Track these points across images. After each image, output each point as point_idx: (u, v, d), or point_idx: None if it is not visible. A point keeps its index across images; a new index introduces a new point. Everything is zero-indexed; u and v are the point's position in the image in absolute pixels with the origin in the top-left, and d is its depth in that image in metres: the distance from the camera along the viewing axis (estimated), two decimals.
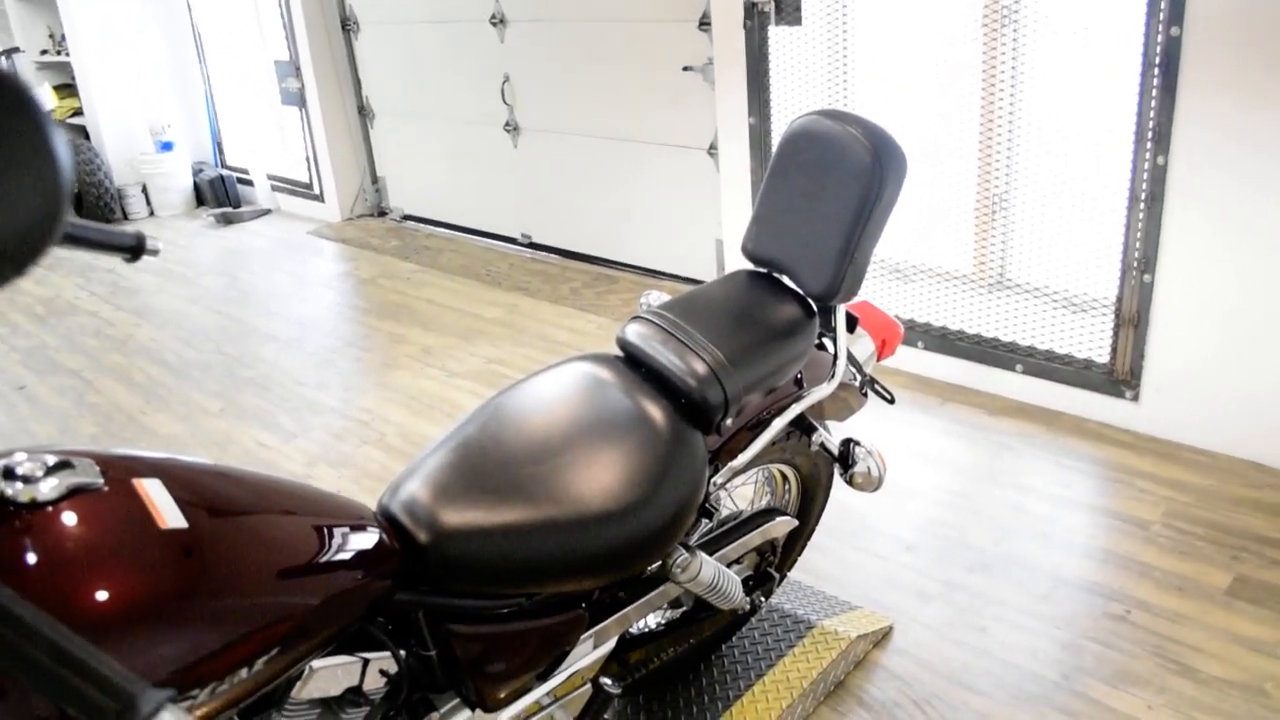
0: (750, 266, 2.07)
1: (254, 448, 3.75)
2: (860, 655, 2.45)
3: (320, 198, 7.06)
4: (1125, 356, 3.34)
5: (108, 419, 4.08)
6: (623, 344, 1.86)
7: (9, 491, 1.01)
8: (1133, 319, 3.28)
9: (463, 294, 5.32)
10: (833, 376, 2.01)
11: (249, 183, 7.58)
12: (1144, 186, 3.12)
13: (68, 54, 7.37)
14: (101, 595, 1.01)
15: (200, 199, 7.68)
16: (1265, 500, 2.95)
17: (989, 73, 3.53)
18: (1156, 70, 2.99)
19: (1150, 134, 3.06)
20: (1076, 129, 3.45)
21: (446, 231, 6.52)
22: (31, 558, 0.99)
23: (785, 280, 2.00)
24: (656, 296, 1.98)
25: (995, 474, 3.20)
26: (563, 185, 5.64)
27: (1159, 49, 2.96)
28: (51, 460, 1.05)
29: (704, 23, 4.49)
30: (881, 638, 2.51)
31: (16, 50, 7.46)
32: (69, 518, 1.03)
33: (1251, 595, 2.57)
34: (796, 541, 2.37)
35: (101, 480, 1.08)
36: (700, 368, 1.75)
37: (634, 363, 1.83)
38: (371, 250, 6.26)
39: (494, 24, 5.55)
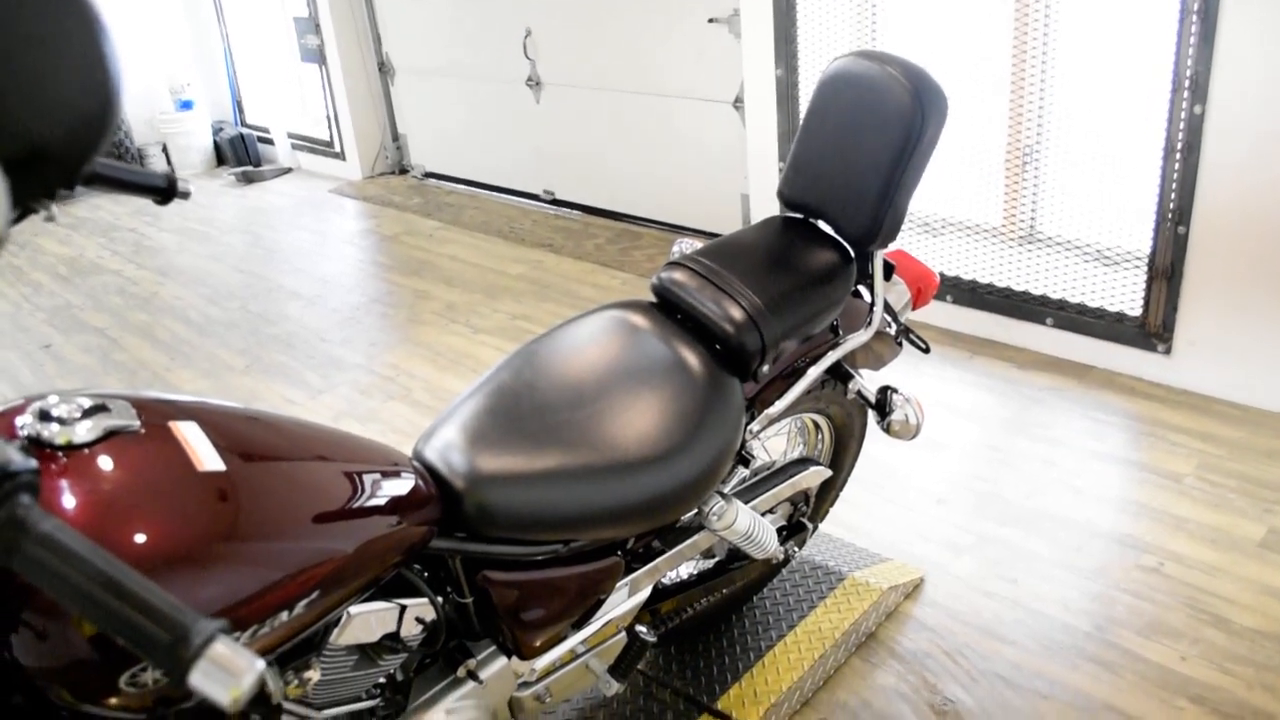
0: (786, 212, 2.03)
1: (280, 404, 3.75)
2: (892, 606, 2.44)
3: (341, 156, 7.03)
4: (1158, 309, 3.29)
5: (133, 376, 4.09)
6: (658, 290, 1.84)
7: (45, 434, 1.00)
8: (1166, 271, 3.23)
9: (486, 251, 5.30)
10: (869, 324, 1.98)
11: (269, 141, 7.55)
12: (1180, 136, 3.06)
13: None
14: (140, 537, 1.00)
15: (221, 158, 7.66)
16: None
17: (1021, 22, 3.46)
18: (1195, 18, 2.92)
19: (1188, 82, 2.99)
20: (1110, 79, 3.38)
21: (468, 188, 6.49)
22: (69, 500, 0.98)
23: (822, 226, 1.97)
24: (689, 243, 1.96)
25: (1026, 427, 3.17)
26: (586, 141, 5.59)
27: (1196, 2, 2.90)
28: (87, 403, 1.04)
29: None
30: (913, 589, 2.50)
31: None
32: (105, 460, 1.02)
33: None
34: (829, 492, 2.36)
35: (138, 423, 1.07)
36: (738, 313, 1.73)
37: (669, 308, 1.81)
38: (394, 208, 6.24)
39: None
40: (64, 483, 0.99)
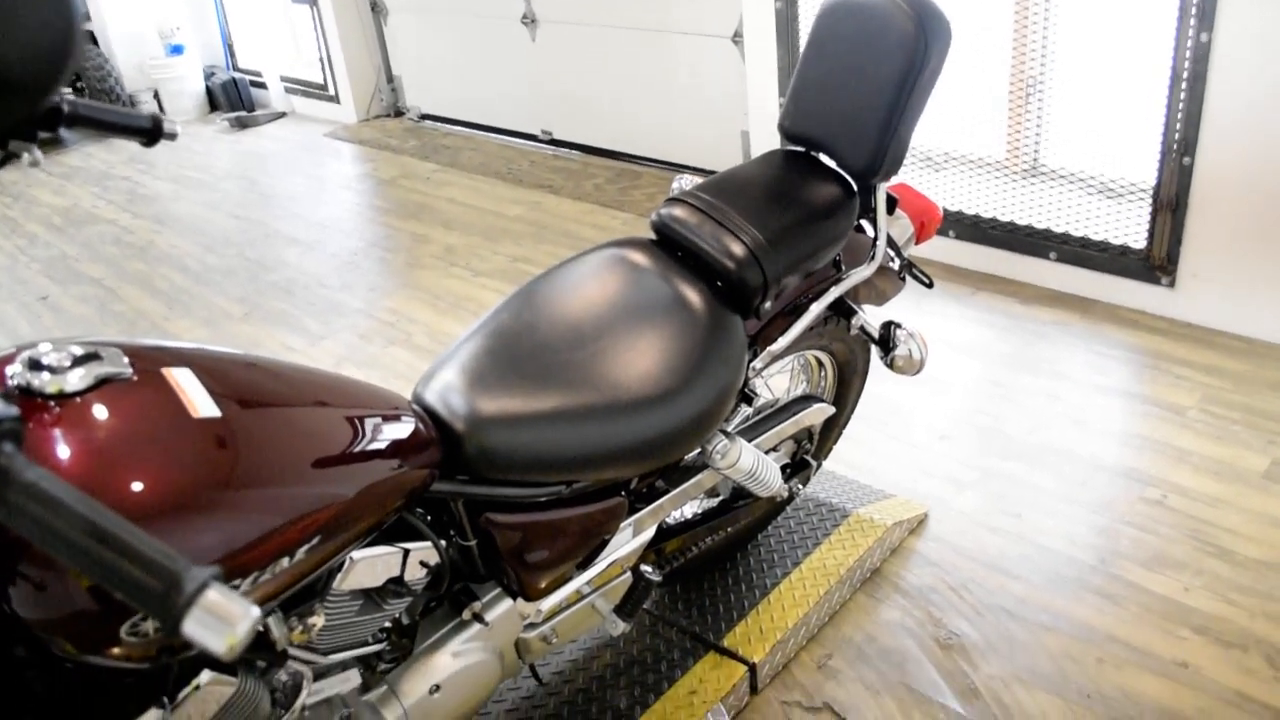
0: (787, 145, 2.00)
1: (280, 350, 3.74)
2: (896, 542, 2.44)
3: (335, 99, 6.94)
4: (1162, 242, 3.26)
5: (132, 326, 4.07)
6: (657, 227, 1.81)
7: (35, 382, 0.98)
8: (1171, 203, 3.19)
9: (484, 193, 5.25)
10: (872, 259, 1.96)
11: (262, 85, 7.45)
12: (1186, 65, 3.01)
13: None
14: (136, 485, 0.98)
15: (213, 104, 7.56)
16: None
17: None
18: None
19: (1194, 9, 2.93)
20: (1115, 6, 3.31)
21: (465, 130, 6.41)
22: (62, 450, 0.96)
23: (824, 159, 1.93)
24: (689, 180, 1.93)
25: (1029, 362, 3.16)
26: (583, 79, 5.51)
27: None
28: (78, 351, 1.02)
29: None
30: (917, 525, 2.50)
31: None
32: (99, 408, 1.00)
33: None
34: (833, 429, 2.35)
35: (130, 370, 1.05)
36: (738, 249, 1.71)
37: (670, 245, 1.79)
38: (390, 151, 6.17)
39: None
40: (55, 432, 0.97)
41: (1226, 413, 2.81)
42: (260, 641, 1.21)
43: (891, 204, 2.01)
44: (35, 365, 1.00)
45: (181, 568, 0.76)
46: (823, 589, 2.24)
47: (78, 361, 1.01)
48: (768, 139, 4.38)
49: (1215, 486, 2.54)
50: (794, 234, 1.76)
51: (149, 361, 1.09)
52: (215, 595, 0.75)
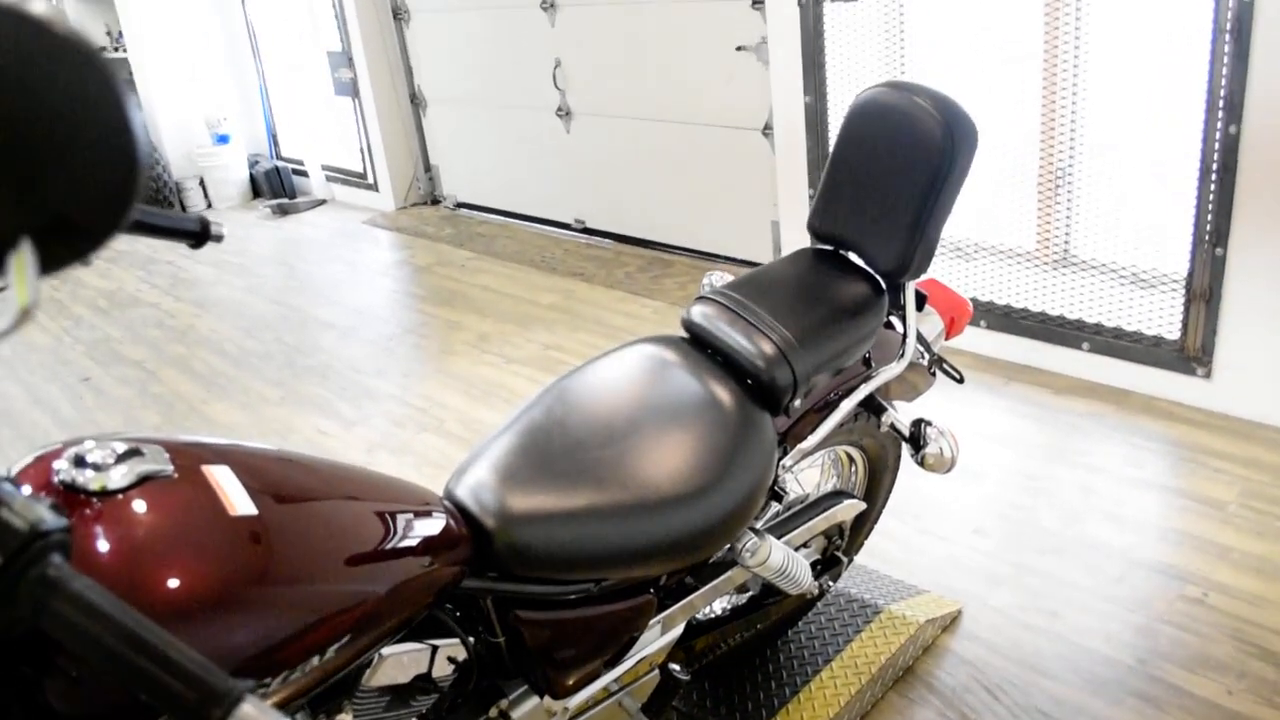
0: (816, 244, 2.03)
1: (315, 435, 3.77)
2: (929, 640, 2.40)
3: (374, 187, 7.10)
4: (1197, 333, 3.25)
5: (170, 408, 4.13)
6: (688, 325, 1.84)
7: (80, 479, 1.01)
8: (1204, 294, 3.18)
9: (518, 280, 5.32)
10: (902, 355, 1.97)
11: (304, 174, 7.64)
12: (1216, 157, 3.03)
13: (125, 50, 7.46)
14: (174, 583, 1.00)
15: (256, 190, 7.75)
16: None
17: (1051, 43, 3.44)
18: (1228, 36, 2.89)
19: (1222, 102, 2.96)
20: (1143, 99, 3.35)
21: (500, 218, 6.52)
22: (103, 546, 0.98)
23: (853, 257, 1.96)
24: (720, 277, 1.95)
25: (1064, 454, 3.13)
26: (616, 169, 5.61)
27: (1230, 13, 2.87)
28: (121, 448, 1.05)
29: (757, 1, 4.43)
30: (950, 622, 2.47)
31: None
32: (140, 505, 1.02)
33: None
34: (864, 524, 2.33)
35: (171, 468, 1.07)
36: (768, 348, 1.72)
37: (700, 344, 1.81)
38: (426, 238, 6.28)
39: (544, 9, 5.53)
40: (98, 529, 0.99)
41: (1268, 508, 2.77)
42: None
43: (921, 300, 2.02)
44: (80, 462, 1.02)
45: (218, 681, 0.77)
46: (854, 688, 2.21)
47: (120, 459, 1.04)
48: (798, 229, 4.42)
49: (1257, 585, 2.49)
50: (823, 333, 1.78)
51: (189, 459, 1.11)
52: (249, 709, 0.76)
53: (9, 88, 0.72)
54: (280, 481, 1.18)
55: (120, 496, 1.02)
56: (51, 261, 0.77)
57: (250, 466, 1.16)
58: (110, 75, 0.74)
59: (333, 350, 4.59)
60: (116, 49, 7.68)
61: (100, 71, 0.74)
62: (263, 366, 4.48)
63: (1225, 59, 2.92)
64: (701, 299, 1.85)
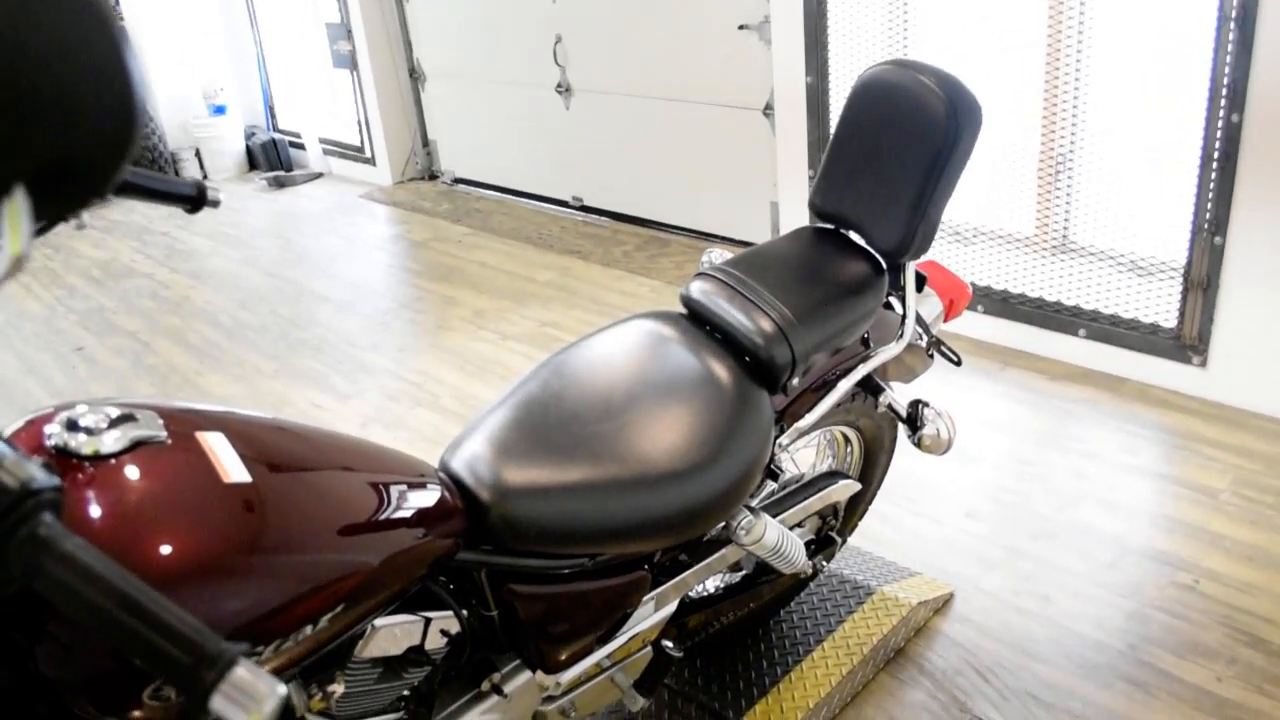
0: (817, 222, 2.02)
1: (309, 409, 3.76)
2: (921, 622, 2.41)
3: (372, 161, 7.07)
4: (1193, 321, 3.24)
5: (164, 379, 4.11)
6: (687, 301, 1.83)
7: (72, 443, 1.00)
8: (1202, 282, 3.18)
9: (514, 257, 5.30)
10: (901, 336, 1.96)
11: (301, 146, 7.60)
12: (1217, 145, 3.02)
13: (122, 19, 7.39)
14: (167, 549, 0.99)
15: (253, 163, 7.71)
16: None
17: (1054, 29, 3.42)
18: (1233, 25, 2.88)
19: (1225, 90, 2.95)
20: (1146, 86, 3.34)
21: (497, 194, 6.50)
22: (96, 510, 0.97)
23: (853, 237, 1.95)
24: (719, 254, 1.94)
25: (1058, 440, 3.13)
26: (615, 147, 5.58)
27: (1236, 3, 2.85)
28: (114, 413, 1.04)
29: None
30: (942, 604, 2.47)
31: None
32: (133, 470, 1.02)
33: None
34: (858, 505, 2.33)
35: (165, 433, 1.06)
36: (767, 325, 1.71)
37: (699, 320, 1.80)
38: (423, 213, 6.26)
39: None
40: (90, 493, 0.98)
41: (1260, 496, 2.78)
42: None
43: (921, 282, 2.01)
44: (73, 426, 1.01)
45: (210, 644, 0.76)
46: (845, 668, 2.21)
47: (113, 423, 1.03)
48: (797, 210, 4.41)
49: (1248, 573, 2.50)
50: (822, 311, 1.77)
51: (183, 425, 1.10)
52: (243, 673, 0.76)
53: (3, 31, 0.70)
54: (275, 450, 1.17)
55: (113, 461, 1.01)
56: (46, 210, 0.76)
57: (245, 434, 1.15)
58: (107, 18, 0.73)
59: (328, 324, 4.58)
60: None
61: (97, 14, 0.72)
62: (257, 339, 4.46)
63: (1230, 47, 2.90)
64: (701, 275, 1.84)
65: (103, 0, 0.73)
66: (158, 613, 0.78)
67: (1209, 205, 3.09)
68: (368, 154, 7.08)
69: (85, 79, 0.73)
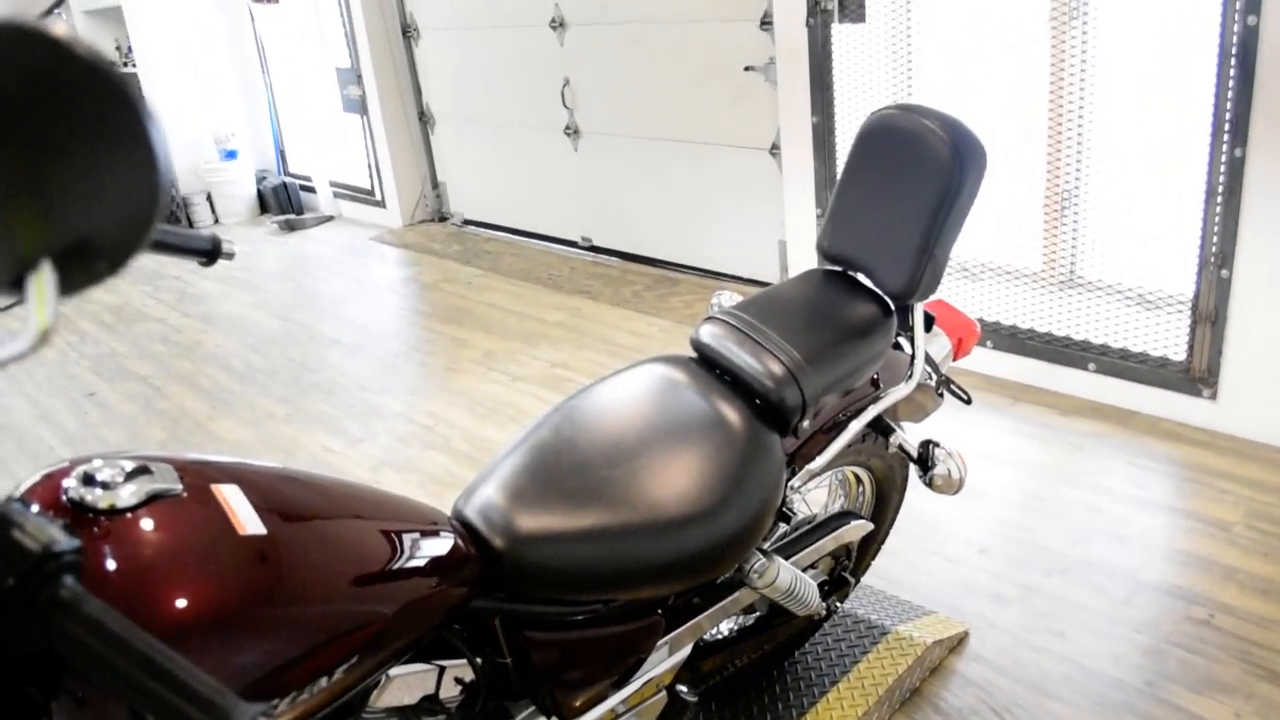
0: (825, 265, 2.03)
1: (320, 452, 3.77)
2: (936, 661, 2.40)
3: (382, 204, 7.12)
4: (1202, 354, 3.25)
5: (176, 424, 4.13)
6: (697, 345, 1.84)
7: (89, 498, 1.01)
8: (1210, 315, 3.18)
9: (524, 298, 5.33)
10: (910, 377, 1.97)
11: (311, 190, 7.67)
12: (1221, 180, 3.03)
13: (134, 65, 7.50)
14: (183, 603, 1.00)
15: (264, 206, 7.78)
16: None
17: (1057, 65, 3.45)
18: (1234, 60, 2.90)
19: (1227, 125, 2.97)
20: (1149, 122, 3.36)
21: (507, 236, 6.54)
22: (113, 564, 0.98)
23: (861, 278, 1.96)
24: (729, 297, 1.95)
25: (1069, 475, 3.13)
26: (623, 188, 5.62)
27: (1236, 38, 2.88)
28: (130, 466, 1.05)
29: (765, 22, 4.45)
30: (957, 643, 2.46)
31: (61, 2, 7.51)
32: (149, 524, 1.02)
33: None
34: (871, 545, 2.33)
35: (180, 486, 1.07)
36: (777, 369, 1.72)
37: (709, 364, 1.81)
38: (433, 255, 6.30)
39: (554, 28, 5.56)
40: (108, 548, 0.99)
41: (1273, 529, 2.76)
42: None
43: (929, 321, 2.02)
44: (89, 480, 1.02)
45: (229, 704, 0.77)
46: (861, 709, 2.20)
47: (129, 476, 1.04)
48: (805, 249, 4.43)
49: (1264, 606, 2.49)
50: (832, 354, 1.78)
51: (198, 477, 1.11)
52: None
53: (32, 110, 0.72)
54: (289, 501, 1.18)
55: (129, 515, 1.02)
56: (70, 283, 0.78)
57: (259, 485, 1.16)
58: (133, 98, 0.74)
59: (339, 367, 4.60)
60: (126, 64, 7.72)
61: (123, 94, 0.74)
62: (269, 383, 4.49)
63: (1231, 82, 2.93)
64: (710, 319, 1.86)
65: (127, 78, 0.75)
66: (176, 673, 0.78)
67: (1215, 239, 3.10)
68: (378, 197, 7.14)
69: (112, 159, 0.74)
